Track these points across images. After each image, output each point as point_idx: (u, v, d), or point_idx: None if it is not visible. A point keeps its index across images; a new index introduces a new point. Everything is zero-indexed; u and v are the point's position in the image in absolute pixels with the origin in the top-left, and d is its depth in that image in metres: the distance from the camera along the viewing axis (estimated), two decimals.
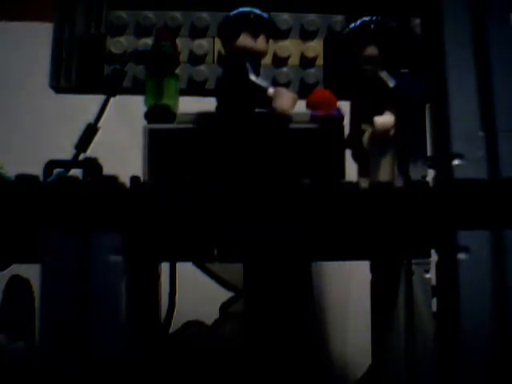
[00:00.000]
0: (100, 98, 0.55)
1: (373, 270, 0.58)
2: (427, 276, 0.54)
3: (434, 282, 0.53)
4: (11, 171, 0.49)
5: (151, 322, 0.58)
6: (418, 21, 0.58)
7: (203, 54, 0.58)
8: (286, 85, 0.58)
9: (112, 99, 0.55)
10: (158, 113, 0.52)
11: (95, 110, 0.55)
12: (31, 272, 0.50)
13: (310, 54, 0.58)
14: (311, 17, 0.58)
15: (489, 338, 0.47)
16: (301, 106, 0.52)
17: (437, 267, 0.52)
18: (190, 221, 0.48)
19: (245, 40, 0.52)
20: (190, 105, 0.54)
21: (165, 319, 0.62)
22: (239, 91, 0.51)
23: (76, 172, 0.52)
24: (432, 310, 0.53)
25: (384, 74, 0.53)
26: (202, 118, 0.51)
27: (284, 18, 0.58)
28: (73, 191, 0.47)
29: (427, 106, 0.55)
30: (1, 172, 0.50)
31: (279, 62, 0.58)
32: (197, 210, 0.48)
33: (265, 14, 0.52)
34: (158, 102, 0.52)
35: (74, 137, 0.55)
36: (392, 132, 0.52)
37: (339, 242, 0.49)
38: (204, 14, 0.58)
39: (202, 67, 0.58)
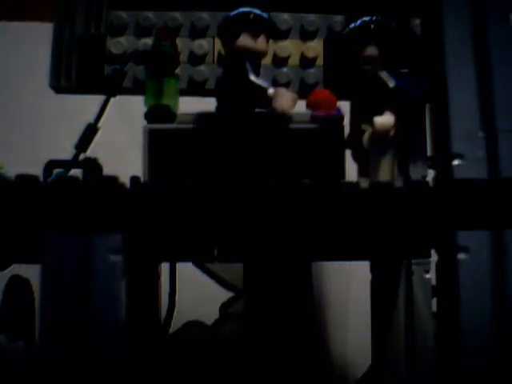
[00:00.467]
0: (100, 98, 0.55)
1: (373, 269, 0.58)
2: (427, 276, 0.54)
3: (434, 282, 0.53)
4: (11, 171, 0.49)
5: (151, 322, 0.58)
6: (418, 21, 0.58)
7: (203, 54, 0.58)
8: (286, 85, 0.58)
9: (112, 99, 0.55)
10: (158, 113, 0.52)
11: (95, 110, 0.55)
12: (31, 272, 0.50)
13: (310, 54, 0.58)
14: (311, 17, 0.58)
15: (489, 338, 0.47)
16: (301, 106, 0.52)
17: (437, 267, 0.52)
18: (190, 221, 0.48)
19: (245, 40, 0.52)
20: (190, 105, 0.54)
21: (165, 319, 0.62)
22: (239, 91, 0.51)
23: (76, 172, 0.52)
24: (432, 309, 0.54)
25: (384, 74, 0.53)
26: (202, 118, 0.51)
27: (284, 18, 0.58)
28: (73, 191, 0.47)
29: (427, 105, 0.55)
30: (1, 172, 0.50)
31: (279, 61, 0.58)
32: (197, 210, 0.48)
33: (265, 14, 0.52)
34: (158, 102, 0.52)
35: (74, 137, 0.55)
36: (392, 132, 0.52)
37: (339, 242, 0.49)
38: (204, 14, 0.58)
39: (202, 67, 0.58)
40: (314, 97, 0.52)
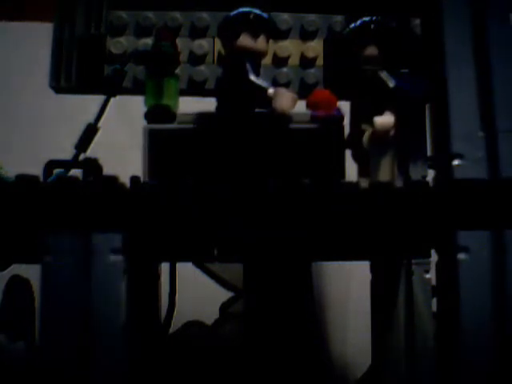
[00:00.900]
0: (100, 98, 0.55)
1: (373, 270, 0.58)
2: (427, 276, 0.54)
3: (434, 282, 0.53)
4: (11, 171, 0.49)
5: (151, 322, 0.58)
6: (418, 21, 0.58)
7: (203, 54, 0.58)
8: (286, 85, 0.58)
9: (112, 99, 0.55)
10: (158, 113, 0.52)
11: (95, 110, 0.55)
12: (31, 272, 0.50)
13: (310, 54, 0.58)
14: (311, 17, 0.58)
15: (489, 338, 0.47)
16: (301, 106, 0.52)
17: (437, 267, 0.52)
18: (190, 221, 0.48)
19: (245, 40, 0.52)
20: (190, 105, 0.54)
21: (165, 319, 0.62)
22: (239, 91, 0.51)
23: (76, 172, 0.52)
24: (432, 309, 0.54)
25: (384, 74, 0.53)
26: (202, 117, 0.51)
27: (284, 18, 0.58)
28: (73, 191, 0.47)
29: (427, 105, 0.55)
30: (1, 172, 0.50)
31: (279, 61, 0.58)
32: (197, 210, 0.47)
33: (265, 14, 0.52)
34: (158, 102, 0.52)
35: (74, 137, 0.55)
36: (392, 132, 0.52)
37: (339, 242, 0.49)
38: (204, 14, 0.58)
39: (202, 67, 0.58)
40: (314, 97, 0.52)
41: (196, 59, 0.58)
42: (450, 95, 0.51)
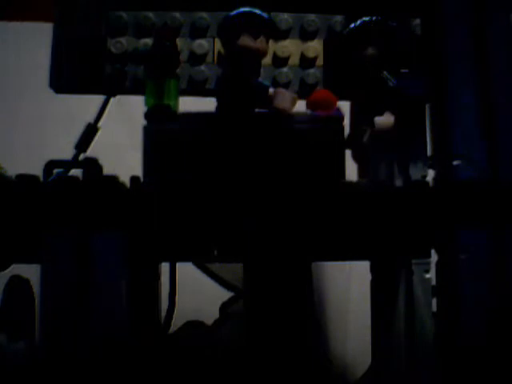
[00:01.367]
0: (100, 98, 0.55)
1: (373, 270, 0.58)
2: (427, 276, 0.54)
3: (434, 282, 0.53)
4: (11, 171, 0.49)
5: (151, 322, 0.58)
6: (417, 21, 0.58)
7: (203, 54, 0.58)
8: (286, 85, 0.58)
9: (112, 99, 0.55)
10: (158, 113, 0.52)
11: (95, 110, 0.55)
12: (31, 272, 0.50)
13: (310, 54, 0.58)
14: (311, 17, 0.58)
15: (489, 337, 0.47)
16: (301, 106, 0.52)
17: (437, 267, 0.52)
18: (190, 221, 0.48)
19: (245, 40, 0.52)
20: (190, 105, 0.54)
21: (165, 319, 0.62)
22: (239, 91, 0.51)
23: (76, 172, 0.52)
24: (432, 309, 0.54)
25: (384, 74, 0.53)
26: (202, 118, 0.51)
27: (284, 18, 0.58)
28: (73, 191, 0.47)
29: (427, 105, 0.55)
30: (1, 172, 0.50)
31: (279, 62, 0.58)
32: (197, 210, 0.48)
33: (265, 14, 0.52)
34: (158, 102, 0.52)
35: (74, 137, 0.55)
36: (392, 132, 0.52)
37: (339, 242, 0.49)
38: (204, 14, 0.58)
39: (202, 67, 0.58)
40: (314, 97, 0.52)
41: (196, 59, 0.58)
42: (449, 95, 0.51)
